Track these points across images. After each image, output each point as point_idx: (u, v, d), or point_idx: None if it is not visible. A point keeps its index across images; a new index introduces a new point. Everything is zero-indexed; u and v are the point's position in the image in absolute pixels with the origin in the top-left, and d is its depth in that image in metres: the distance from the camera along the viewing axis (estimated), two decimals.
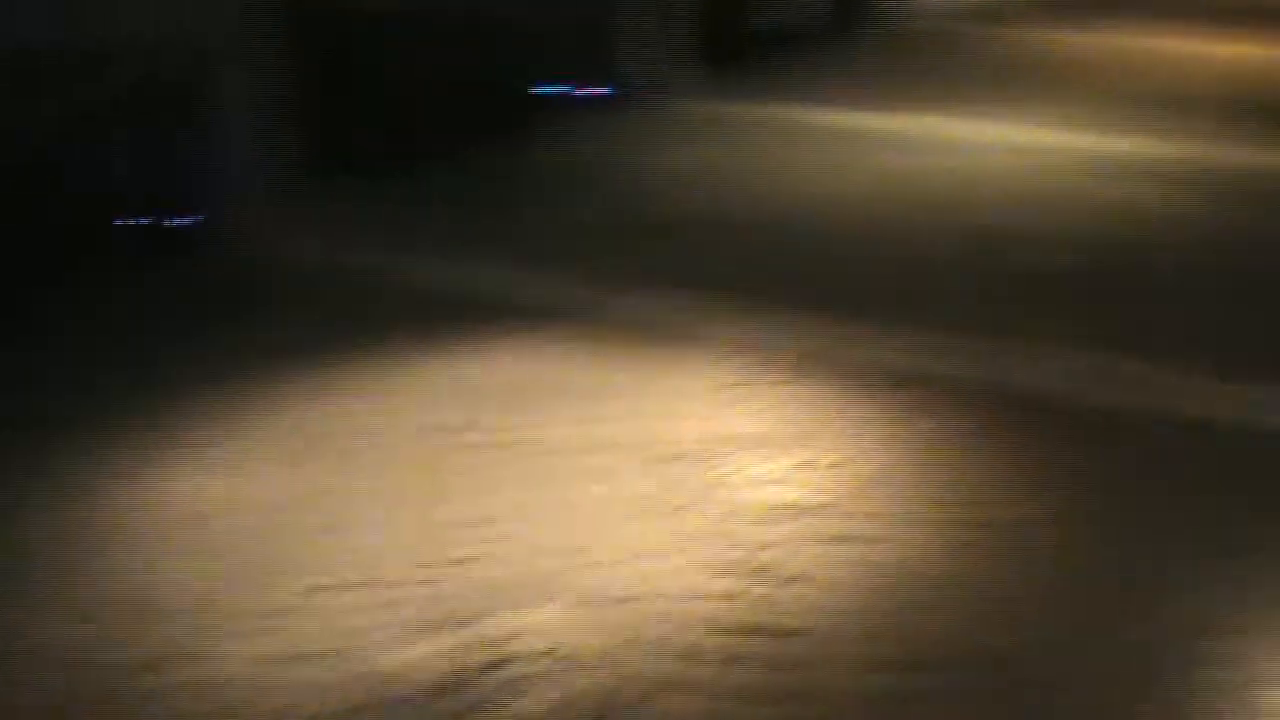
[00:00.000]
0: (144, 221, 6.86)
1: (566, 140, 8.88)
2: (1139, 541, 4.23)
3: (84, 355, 5.63)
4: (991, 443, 4.84)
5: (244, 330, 5.89)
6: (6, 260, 6.05)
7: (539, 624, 3.77)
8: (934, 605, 3.90)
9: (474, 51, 8.60)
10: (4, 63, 6.29)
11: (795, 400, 5.14)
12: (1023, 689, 3.55)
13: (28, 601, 3.91)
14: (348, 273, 6.55)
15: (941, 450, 4.78)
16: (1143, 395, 5.24)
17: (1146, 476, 4.64)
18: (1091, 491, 4.53)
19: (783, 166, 8.35)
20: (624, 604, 3.87)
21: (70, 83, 6.55)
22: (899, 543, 4.19)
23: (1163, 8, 13.87)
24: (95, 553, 4.14)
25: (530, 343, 5.70)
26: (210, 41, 7.01)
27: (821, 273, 6.56)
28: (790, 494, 4.47)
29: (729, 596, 3.91)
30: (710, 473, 4.60)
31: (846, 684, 3.55)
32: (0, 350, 5.62)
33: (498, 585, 3.96)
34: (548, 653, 3.64)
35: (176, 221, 6.91)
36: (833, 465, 4.65)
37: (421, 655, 3.64)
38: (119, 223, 6.79)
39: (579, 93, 9.37)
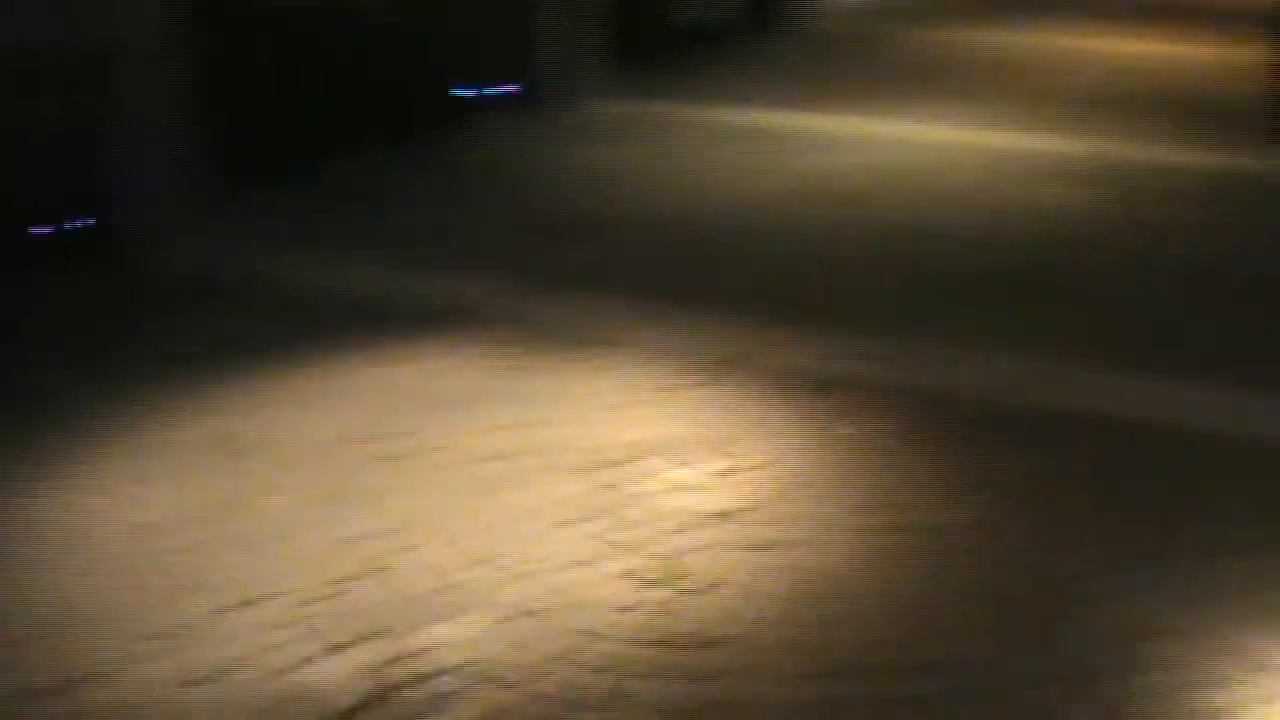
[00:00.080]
0: (48, 229, 6.71)
1: (481, 142, 8.80)
2: (1064, 545, 4.20)
3: None
4: (913, 446, 4.81)
5: (151, 339, 5.77)
6: None
7: (455, 638, 3.69)
8: (859, 612, 3.85)
9: (388, 51, 8.49)
10: None
11: (716, 405, 5.09)
12: (955, 696, 3.50)
13: None
14: (258, 279, 6.44)
15: (863, 454, 4.73)
16: (1064, 396, 5.22)
17: (1070, 478, 4.62)
18: (1015, 494, 4.49)
19: (701, 167, 8.31)
20: (542, 615, 3.79)
21: None
22: (822, 548, 4.14)
23: (1080, 6, 13.94)
24: None
25: (446, 348, 5.61)
26: (117, 44, 6.86)
27: (741, 275, 6.52)
28: (712, 500, 4.41)
29: (650, 605, 3.84)
30: (631, 479, 4.53)
31: (771, 694, 3.49)
32: None
33: (412, 598, 3.87)
34: (464, 667, 3.56)
35: (81, 227, 6.77)
36: (754, 470, 4.60)
37: (336, 672, 3.54)
38: (21, 229, 6.64)
39: (493, 93, 9.28)
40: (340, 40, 8.22)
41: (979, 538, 4.23)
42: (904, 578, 4.02)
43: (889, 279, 6.48)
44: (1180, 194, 7.85)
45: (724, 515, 4.31)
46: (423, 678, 3.52)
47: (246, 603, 3.84)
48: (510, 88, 9.34)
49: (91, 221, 6.81)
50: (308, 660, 3.58)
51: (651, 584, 3.94)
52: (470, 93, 9.15)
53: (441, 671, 3.54)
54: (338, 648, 3.63)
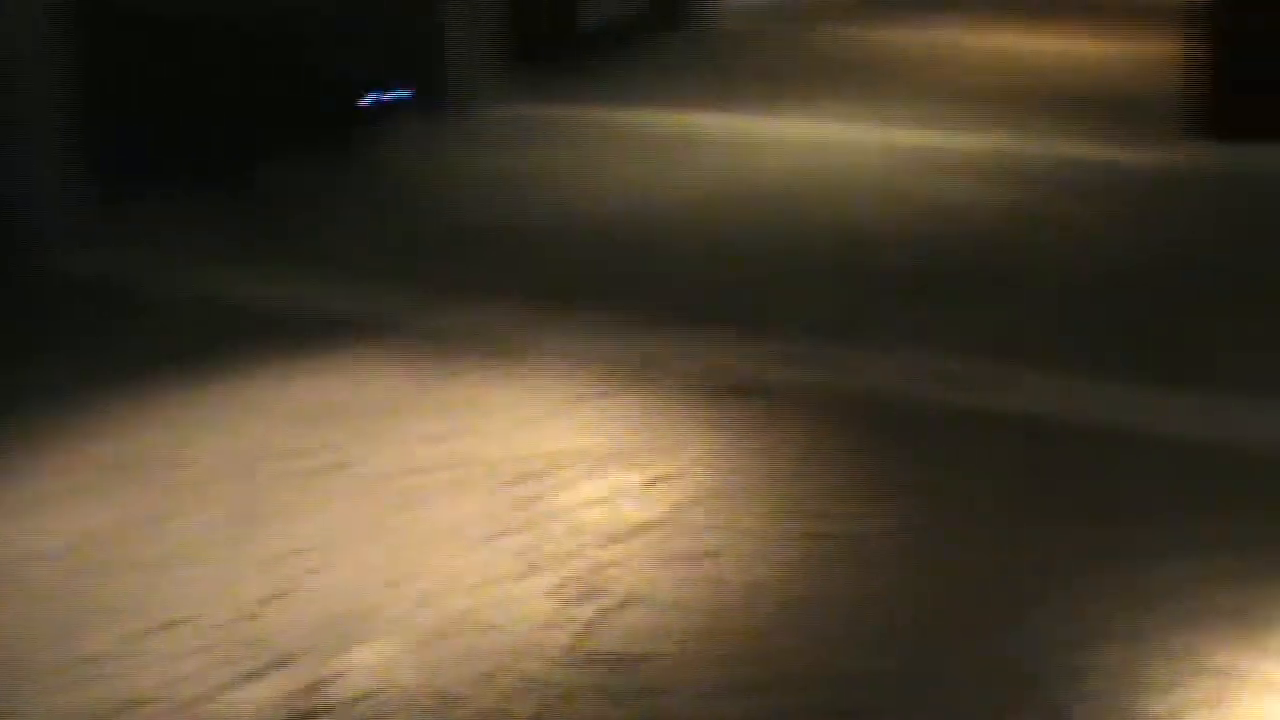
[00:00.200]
0: None
1: (382, 148, 8.68)
2: (998, 549, 4.15)
3: None
4: (837, 451, 4.75)
5: (51, 354, 5.62)
6: None
7: (369, 661, 3.59)
8: (786, 623, 3.78)
9: (285, 56, 8.34)
10: None
11: (635, 413, 5.01)
12: (888, 708, 3.45)
13: None
14: (160, 292, 6.29)
15: (786, 460, 4.67)
16: (991, 396, 5.19)
17: (1000, 481, 4.57)
18: (944, 498, 4.45)
19: (610, 171, 8.23)
20: (459, 635, 3.70)
21: None
22: (746, 558, 4.08)
23: (987, 3, 13.98)
24: None
25: (355, 361, 5.50)
26: (3, 49, 6.68)
27: (655, 280, 6.45)
28: (633, 512, 4.33)
29: (572, 623, 3.76)
30: (549, 492, 4.45)
31: (697, 711, 3.42)
32: None
33: (325, 620, 3.76)
34: (378, 692, 3.46)
35: None
36: (675, 479, 4.53)
37: (250, 701, 3.43)
38: None
39: (393, 97, 9.13)
40: (232, 47, 8.05)
41: (909, 543, 4.18)
42: (834, 586, 3.96)
43: (804, 280, 6.43)
44: (1094, 190, 7.87)
45: (646, 527, 4.24)
46: (339, 705, 3.42)
47: (156, 630, 3.72)
48: (406, 92, 9.19)
49: None
50: (221, 689, 3.47)
51: (574, 600, 3.85)
52: (373, 96, 8.99)
53: (358, 699, 3.44)
54: (252, 675, 3.52)
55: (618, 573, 3.99)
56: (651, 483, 4.50)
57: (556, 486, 4.48)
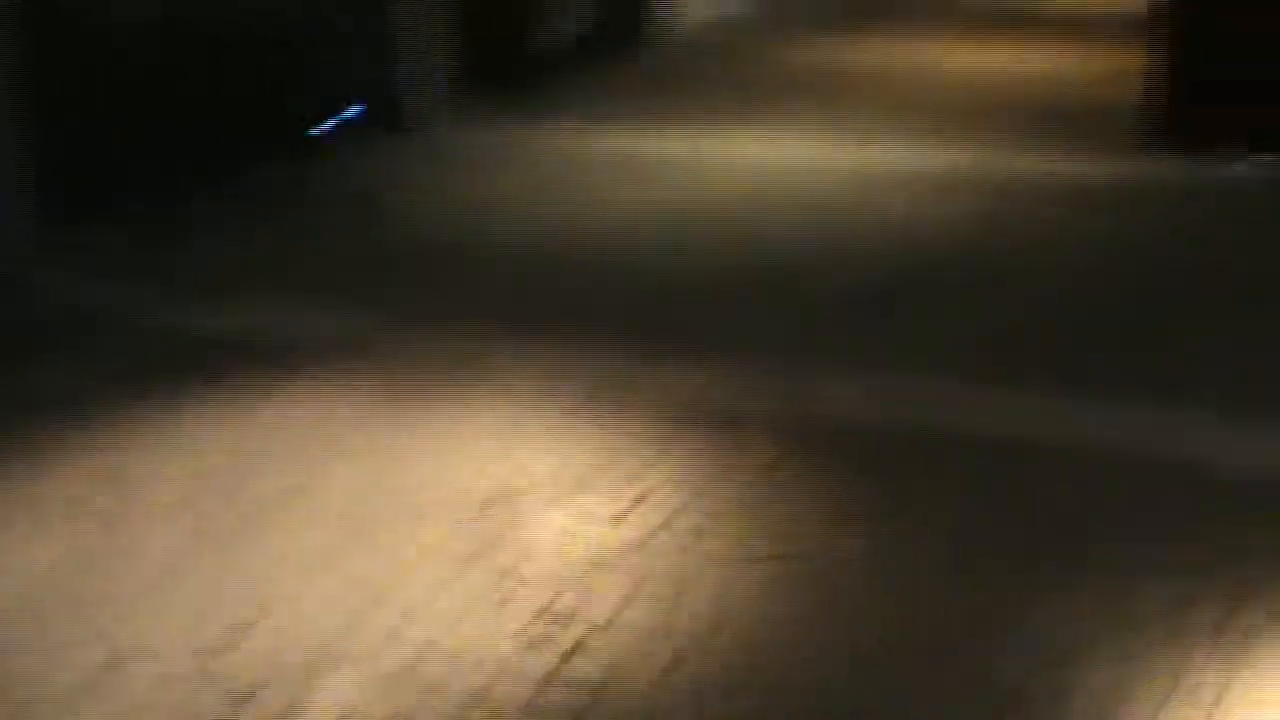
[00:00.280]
0: None
1: (333, 168, 8.52)
2: (968, 571, 4.06)
3: None
4: (796, 473, 4.64)
5: None
6: None
7: (329, 694, 3.47)
8: (752, 648, 3.68)
9: (240, 67, 8.17)
10: None
11: (593, 438, 4.88)
12: None
13: None
14: (106, 317, 6.12)
15: (745, 483, 4.56)
16: (957, 416, 5.09)
17: (968, 501, 4.48)
18: (912, 520, 4.35)
19: (564, 194, 8.08)
20: (419, 665, 3.59)
21: None
22: (707, 582, 3.97)
23: (945, 19, 13.92)
24: None
25: (308, 386, 5.35)
26: None
27: (611, 303, 6.30)
28: (598, 539, 4.22)
29: (530, 649, 3.65)
30: (503, 518, 4.33)
31: None
32: None
33: (281, 653, 3.64)
34: None
35: None
36: (637, 505, 4.41)
37: None
38: None
39: (344, 117, 8.98)
40: (195, 54, 7.88)
41: (878, 565, 4.08)
42: (800, 610, 3.86)
43: (763, 302, 6.30)
44: (1053, 200, 7.80)
45: (611, 553, 4.12)
46: None
47: (103, 666, 3.58)
48: (353, 112, 9.03)
49: None
50: None
51: (543, 629, 3.74)
52: (327, 115, 8.84)
53: None
54: (202, 713, 3.40)
55: (577, 599, 3.88)
56: (616, 508, 4.39)
57: (513, 512, 4.36)
